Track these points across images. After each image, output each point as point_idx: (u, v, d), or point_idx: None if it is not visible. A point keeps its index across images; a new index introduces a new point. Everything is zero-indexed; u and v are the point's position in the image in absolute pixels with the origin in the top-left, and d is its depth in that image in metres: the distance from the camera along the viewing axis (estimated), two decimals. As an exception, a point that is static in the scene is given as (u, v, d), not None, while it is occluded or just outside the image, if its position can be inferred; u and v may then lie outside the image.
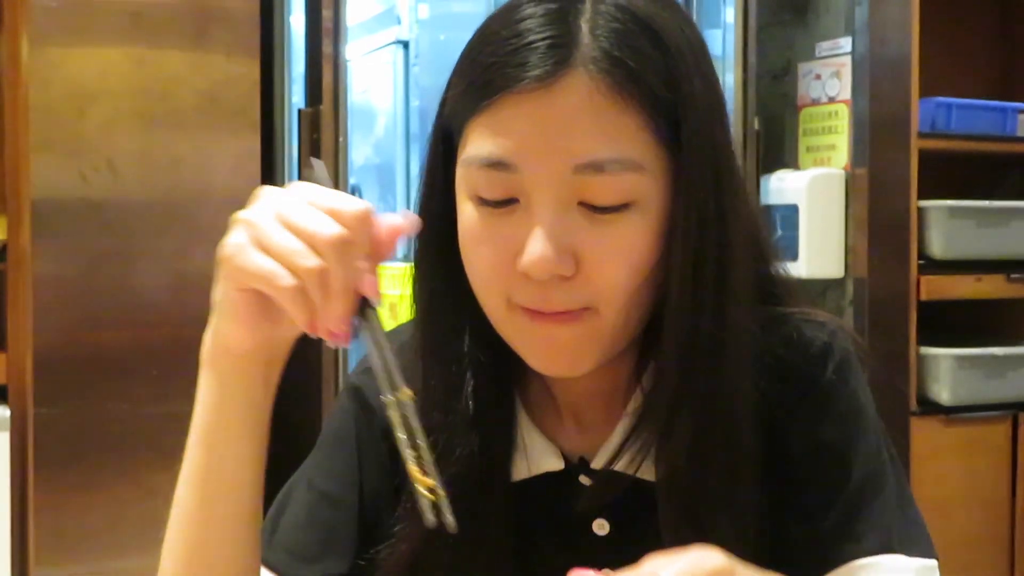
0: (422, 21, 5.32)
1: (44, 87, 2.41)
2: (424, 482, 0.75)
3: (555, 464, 0.94)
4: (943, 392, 2.93)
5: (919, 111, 2.92)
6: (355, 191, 6.27)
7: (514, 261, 0.83)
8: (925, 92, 2.92)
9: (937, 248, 2.93)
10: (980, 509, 2.98)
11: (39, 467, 2.41)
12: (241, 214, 0.78)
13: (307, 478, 1.00)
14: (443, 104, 0.89)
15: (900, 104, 2.89)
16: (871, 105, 2.86)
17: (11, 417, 2.45)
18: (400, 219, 0.78)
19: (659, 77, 0.82)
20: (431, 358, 0.92)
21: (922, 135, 2.92)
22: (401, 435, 0.76)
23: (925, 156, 2.91)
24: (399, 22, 5.91)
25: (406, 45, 5.90)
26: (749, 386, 0.88)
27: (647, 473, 0.90)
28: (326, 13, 2.56)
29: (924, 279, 2.92)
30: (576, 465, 0.94)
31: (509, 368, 0.93)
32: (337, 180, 2.54)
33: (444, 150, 0.89)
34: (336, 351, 2.56)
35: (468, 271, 0.87)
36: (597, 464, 0.93)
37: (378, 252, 0.77)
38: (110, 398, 2.44)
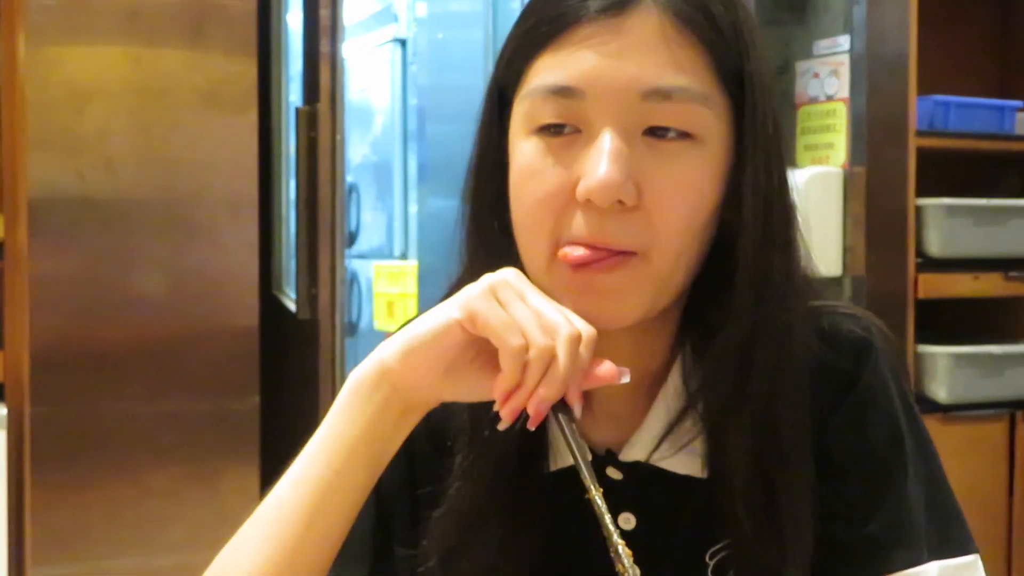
0: (420, 19, 5.31)
1: (41, 85, 2.41)
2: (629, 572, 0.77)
3: None
4: (940, 390, 2.93)
5: (917, 109, 2.92)
6: (352, 189, 6.28)
7: (571, 192, 0.81)
8: (923, 90, 2.92)
9: (935, 246, 2.93)
10: (977, 507, 2.98)
11: (36, 465, 2.41)
12: (488, 278, 0.81)
13: None
14: (500, 59, 0.89)
15: (898, 102, 2.89)
16: (869, 103, 2.86)
17: (8, 415, 2.45)
18: (614, 369, 0.80)
19: (724, 17, 0.83)
20: None
21: (920, 133, 2.92)
22: (610, 526, 0.78)
23: (923, 154, 2.91)
24: (397, 20, 5.91)
25: (404, 43, 5.89)
26: (804, 370, 0.87)
27: (677, 466, 0.89)
28: (324, 12, 2.56)
29: (922, 277, 2.92)
30: (603, 457, 0.91)
31: None
32: (334, 179, 2.54)
33: (500, 107, 0.88)
34: (333, 356, 2.56)
35: (516, 212, 0.85)
36: (627, 456, 0.91)
37: (585, 375, 0.79)
38: (107, 396, 2.44)
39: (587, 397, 0.90)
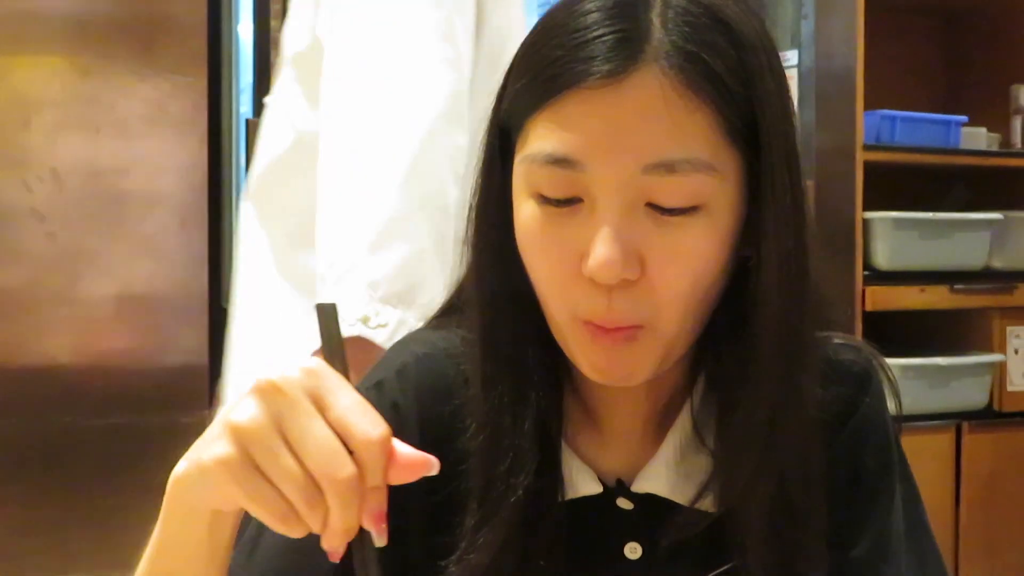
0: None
1: (-13, 96, 2.38)
2: None
3: (592, 488, 0.90)
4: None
5: (864, 124, 2.95)
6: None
7: (578, 265, 0.79)
8: (870, 105, 2.95)
9: (882, 259, 2.96)
10: (925, 517, 3.00)
11: (-19, 481, 2.38)
12: (235, 418, 0.67)
13: None
14: (500, 99, 0.85)
15: (846, 117, 2.91)
16: (817, 118, 2.89)
17: (-47, 430, 2.42)
18: (419, 455, 0.68)
19: (733, 73, 0.78)
20: (496, 365, 0.87)
21: (867, 147, 2.95)
22: None
23: (870, 168, 2.94)
24: (348, 32, 5.87)
25: (355, 55, 5.85)
26: (817, 416, 0.86)
27: (683, 497, 0.88)
28: (274, 23, 2.55)
29: (869, 290, 2.95)
30: (614, 488, 0.90)
31: (561, 379, 0.89)
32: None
33: (501, 147, 0.85)
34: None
35: (532, 275, 0.83)
36: (639, 488, 0.90)
37: (388, 479, 0.68)
38: (54, 411, 2.41)
39: (599, 424, 0.92)
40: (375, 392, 0.92)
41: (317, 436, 0.65)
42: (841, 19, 2.91)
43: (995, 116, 3.31)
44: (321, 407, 0.66)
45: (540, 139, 0.79)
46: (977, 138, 3.19)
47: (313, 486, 0.65)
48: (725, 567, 0.88)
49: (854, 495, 0.90)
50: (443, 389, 0.91)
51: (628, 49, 0.76)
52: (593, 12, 0.78)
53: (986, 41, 3.51)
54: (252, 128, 2.55)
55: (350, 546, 0.68)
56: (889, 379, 0.94)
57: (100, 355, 2.44)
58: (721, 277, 0.82)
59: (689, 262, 0.79)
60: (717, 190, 0.78)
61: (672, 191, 0.77)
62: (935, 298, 3.03)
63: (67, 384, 2.43)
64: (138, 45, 2.47)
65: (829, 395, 0.88)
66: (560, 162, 0.78)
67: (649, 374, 0.83)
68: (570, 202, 0.79)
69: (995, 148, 3.25)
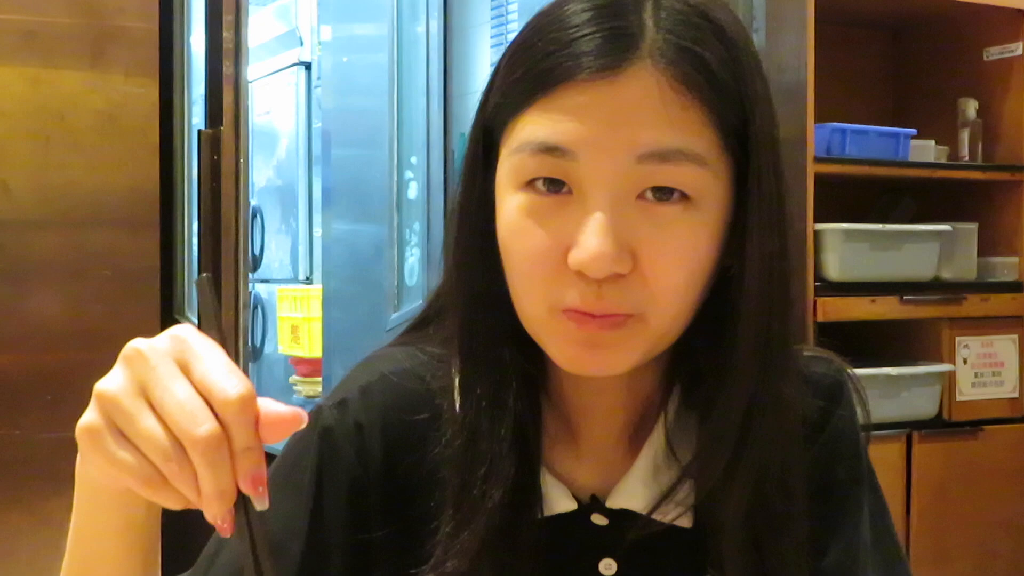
0: (325, 43, 5.30)
1: (-65, 106, 2.36)
2: None
3: (567, 505, 0.89)
4: (840, 412, 2.98)
5: (815, 136, 2.98)
6: (256, 213, 6.22)
7: (563, 256, 0.78)
8: (820, 118, 2.98)
9: (833, 270, 2.99)
10: (876, 526, 3.03)
11: (-72, 496, 2.35)
12: (100, 385, 0.67)
13: None
14: (485, 100, 0.85)
15: (797, 129, 2.94)
16: (769, 130, 2.91)
17: (-102, 445, 2.38)
18: (287, 411, 0.65)
19: (726, 72, 0.78)
20: (475, 367, 0.86)
21: (818, 159, 2.98)
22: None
23: (821, 180, 2.97)
24: (301, 44, 5.88)
25: (308, 67, 5.86)
26: (798, 425, 0.86)
27: (663, 515, 0.87)
28: (227, 34, 2.54)
29: (820, 301, 2.97)
30: (588, 504, 0.89)
31: (539, 384, 0.88)
32: (238, 203, 2.51)
33: (485, 148, 0.85)
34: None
35: (508, 269, 0.82)
36: (614, 503, 0.89)
37: (259, 439, 0.65)
38: (3, 424, 2.38)
39: (575, 436, 0.91)
40: (337, 411, 0.91)
41: (178, 396, 0.64)
42: (791, 33, 2.94)
43: (943, 129, 3.35)
44: (186, 370, 0.65)
45: (531, 129, 0.78)
46: (926, 151, 3.23)
47: (177, 447, 0.63)
48: None
49: (824, 506, 0.90)
50: (409, 406, 0.90)
51: (623, 45, 0.77)
52: (587, 11, 0.78)
53: (934, 54, 3.56)
54: (204, 139, 2.54)
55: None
56: (858, 391, 0.94)
57: (49, 368, 2.42)
58: (707, 278, 0.81)
59: (682, 256, 0.78)
60: (709, 184, 0.79)
61: (665, 179, 0.77)
62: (885, 308, 3.06)
63: (15, 398, 2.40)
64: (89, 55, 2.45)
65: (801, 407, 0.88)
66: (552, 151, 0.77)
67: (631, 365, 0.82)
68: (559, 193, 0.78)
69: (943, 160, 3.29)
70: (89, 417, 0.67)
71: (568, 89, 0.77)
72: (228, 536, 0.65)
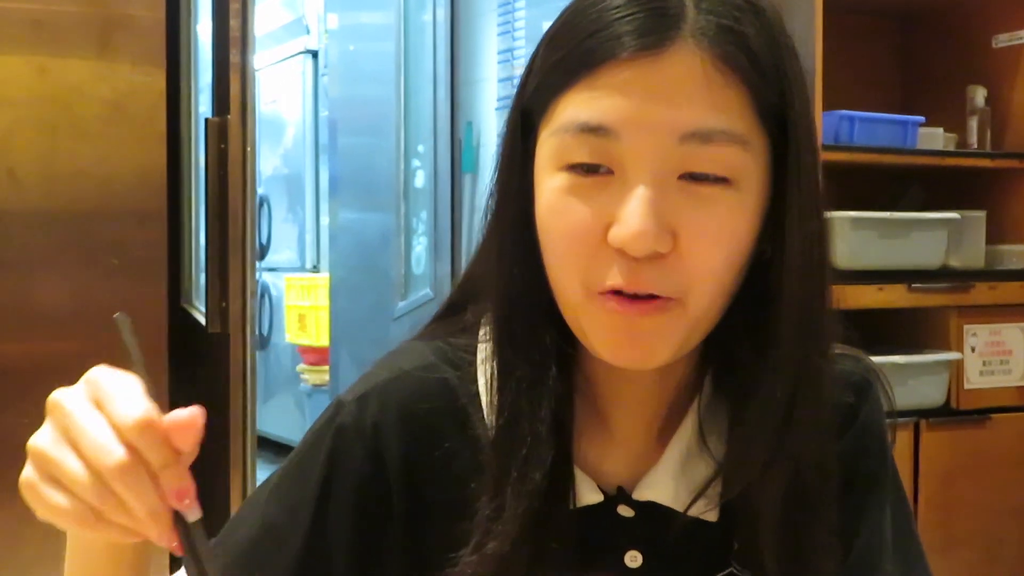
0: (332, 31, 5.29)
1: (-58, 95, 2.36)
2: None
3: (592, 497, 0.88)
4: (847, 400, 2.98)
5: (823, 124, 2.97)
6: (263, 202, 6.22)
7: (603, 234, 0.77)
8: (828, 106, 2.97)
9: (841, 258, 2.98)
10: (884, 515, 3.02)
11: (-64, 484, 2.35)
12: (31, 441, 0.71)
13: (269, 491, 0.93)
14: (524, 83, 0.85)
15: (804, 117, 2.93)
16: (776, 118, 2.90)
17: (-93, 433, 2.39)
18: (186, 414, 0.68)
19: (766, 51, 0.79)
20: (514, 350, 0.85)
21: (826, 147, 2.97)
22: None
23: (829, 168, 2.95)
24: (308, 32, 5.87)
25: (315, 55, 5.86)
26: (831, 416, 0.87)
27: (684, 506, 0.87)
28: (233, 22, 2.53)
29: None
30: (615, 496, 0.89)
31: (572, 378, 0.88)
32: (245, 191, 2.51)
33: (523, 131, 0.84)
34: (244, 370, 2.53)
35: (547, 251, 0.82)
36: (641, 495, 0.88)
37: (177, 452, 0.68)
38: (8, 412, 2.38)
39: (605, 426, 0.90)
40: (355, 407, 0.91)
41: (90, 433, 0.67)
42: (800, 22, 2.93)
43: (951, 117, 3.34)
44: (100, 408, 0.68)
45: (573, 110, 0.78)
46: (934, 138, 3.21)
47: (98, 481, 0.67)
48: (724, 573, 0.88)
49: (848, 501, 0.90)
50: (431, 401, 0.90)
51: (665, 24, 0.76)
52: None
53: (942, 42, 3.54)
54: (211, 128, 2.54)
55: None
56: (885, 389, 0.95)
57: (57, 357, 2.42)
58: (744, 262, 0.81)
59: (721, 237, 0.78)
60: (749, 165, 0.78)
61: (707, 162, 0.77)
62: (893, 296, 3.05)
63: (22, 387, 2.40)
64: (95, 44, 2.45)
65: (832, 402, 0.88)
66: (595, 130, 0.77)
67: (671, 355, 0.81)
68: (601, 173, 0.78)
69: (952, 148, 3.28)
70: (25, 472, 0.70)
71: (611, 67, 0.77)
72: (181, 555, 0.68)
